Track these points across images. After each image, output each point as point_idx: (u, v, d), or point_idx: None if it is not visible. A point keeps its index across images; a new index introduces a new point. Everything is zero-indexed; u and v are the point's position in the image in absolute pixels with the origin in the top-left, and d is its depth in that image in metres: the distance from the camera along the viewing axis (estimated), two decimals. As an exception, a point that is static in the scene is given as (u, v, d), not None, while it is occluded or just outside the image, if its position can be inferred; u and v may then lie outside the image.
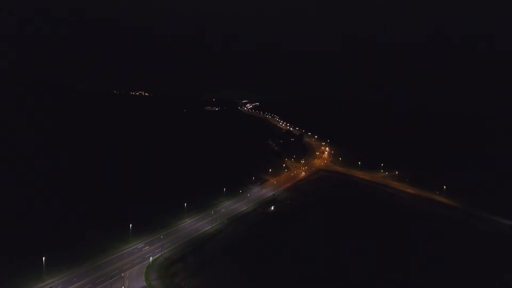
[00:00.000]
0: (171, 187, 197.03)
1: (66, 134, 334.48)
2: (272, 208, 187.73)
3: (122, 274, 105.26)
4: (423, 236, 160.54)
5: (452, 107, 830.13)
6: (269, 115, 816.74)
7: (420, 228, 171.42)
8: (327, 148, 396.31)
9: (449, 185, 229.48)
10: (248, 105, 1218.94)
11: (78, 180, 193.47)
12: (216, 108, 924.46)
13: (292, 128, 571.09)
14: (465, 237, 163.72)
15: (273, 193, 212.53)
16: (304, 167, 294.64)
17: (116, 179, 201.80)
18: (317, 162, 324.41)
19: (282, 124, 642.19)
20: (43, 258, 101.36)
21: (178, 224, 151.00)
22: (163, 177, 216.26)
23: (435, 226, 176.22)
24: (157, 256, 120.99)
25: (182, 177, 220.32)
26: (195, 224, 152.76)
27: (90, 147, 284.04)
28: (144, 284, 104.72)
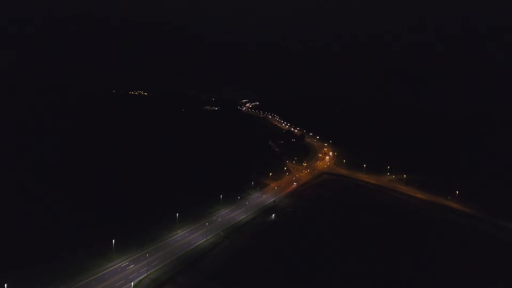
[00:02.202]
0: (162, 194, 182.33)
1: (58, 135, 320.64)
2: (273, 216, 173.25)
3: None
4: (436, 246, 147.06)
5: (455, 107, 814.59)
6: (269, 114, 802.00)
7: (432, 237, 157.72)
8: (330, 150, 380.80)
9: (461, 190, 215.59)
10: (248, 104, 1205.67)
11: (56, 184, 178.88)
12: (215, 107, 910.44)
13: (293, 128, 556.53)
14: (481, 246, 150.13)
15: (274, 199, 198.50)
16: (307, 170, 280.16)
17: (100, 184, 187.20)
18: (320, 165, 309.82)
19: (282, 124, 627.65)
20: (5, 285, 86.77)
21: (169, 236, 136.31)
22: (153, 182, 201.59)
23: (448, 234, 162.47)
24: (142, 277, 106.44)
25: (175, 183, 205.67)
26: (188, 237, 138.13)
27: (79, 149, 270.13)
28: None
